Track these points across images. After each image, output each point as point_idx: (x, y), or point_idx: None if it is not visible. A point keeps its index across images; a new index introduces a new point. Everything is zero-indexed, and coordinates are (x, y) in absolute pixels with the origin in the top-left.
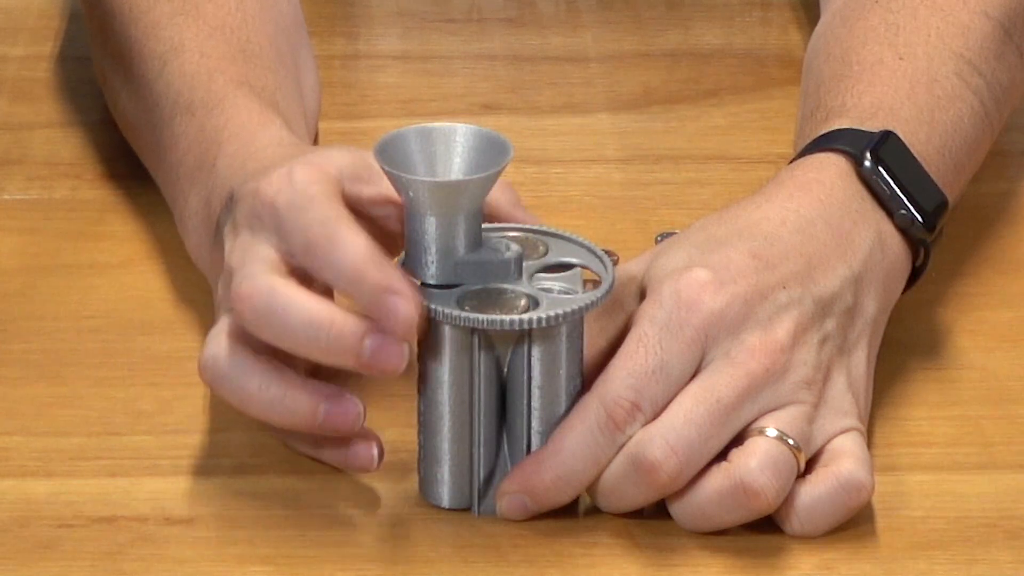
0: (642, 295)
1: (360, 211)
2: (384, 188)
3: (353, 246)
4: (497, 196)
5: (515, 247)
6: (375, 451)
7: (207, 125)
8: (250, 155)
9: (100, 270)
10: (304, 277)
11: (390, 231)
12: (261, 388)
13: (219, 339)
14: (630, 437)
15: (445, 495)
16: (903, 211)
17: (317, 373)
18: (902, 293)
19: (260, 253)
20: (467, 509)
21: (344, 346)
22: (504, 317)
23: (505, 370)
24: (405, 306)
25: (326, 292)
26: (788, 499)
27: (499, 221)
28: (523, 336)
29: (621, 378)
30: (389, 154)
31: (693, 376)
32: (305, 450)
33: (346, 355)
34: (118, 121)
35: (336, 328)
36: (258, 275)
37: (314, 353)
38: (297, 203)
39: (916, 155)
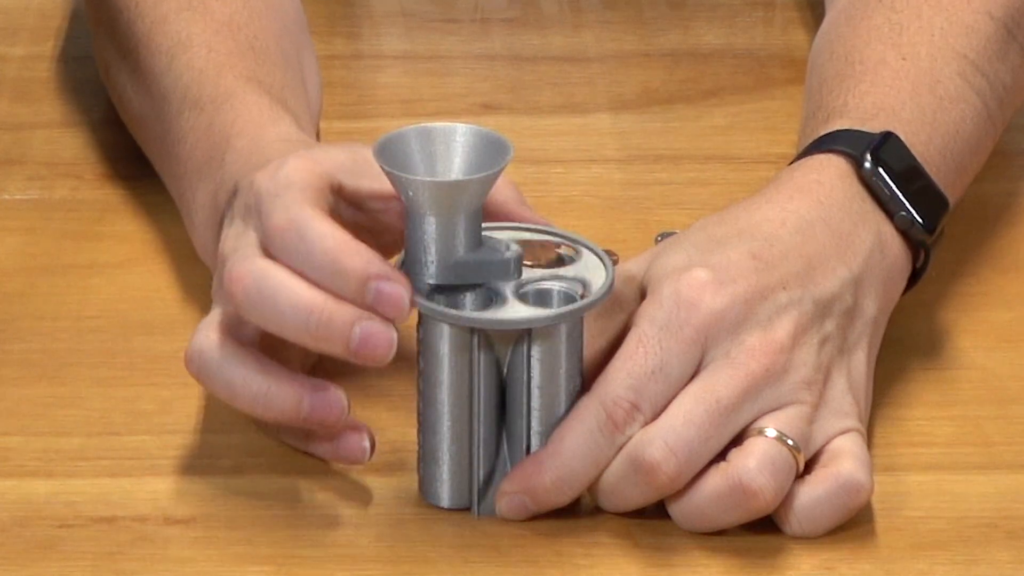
0: (642, 295)
1: (360, 206)
2: (384, 184)
3: (323, 235)
4: (504, 194)
5: (515, 247)
6: (366, 442)
7: (216, 120)
8: (259, 150)
9: (100, 270)
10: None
11: (389, 225)
12: (245, 381)
13: (205, 332)
14: (630, 438)
15: (445, 495)
16: (903, 213)
17: (318, 368)
18: (902, 294)
19: (251, 239)
20: (467, 509)
21: (334, 332)
22: (504, 317)
23: (505, 370)
24: (392, 288)
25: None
26: (787, 500)
27: (505, 220)
28: (523, 336)
29: (620, 378)
30: (389, 154)
31: (693, 376)
32: (296, 443)
33: (335, 341)
34: (122, 115)
35: (326, 314)
36: (252, 257)
37: (303, 338)
38: (272, 191)
39: (917, 156)
